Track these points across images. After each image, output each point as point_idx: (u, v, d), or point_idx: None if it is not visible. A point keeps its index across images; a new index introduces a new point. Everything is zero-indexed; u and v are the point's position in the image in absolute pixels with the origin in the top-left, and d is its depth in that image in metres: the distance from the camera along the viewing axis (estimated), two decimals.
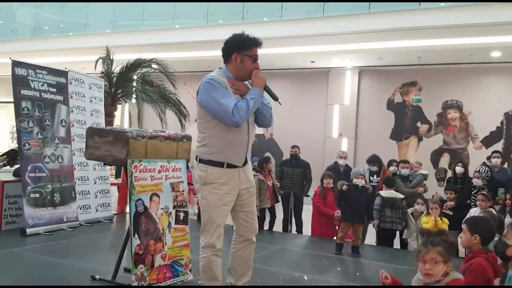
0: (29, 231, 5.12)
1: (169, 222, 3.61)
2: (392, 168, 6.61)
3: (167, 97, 9.25)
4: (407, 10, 8.70)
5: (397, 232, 5.88)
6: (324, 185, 6.11)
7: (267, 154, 10.18)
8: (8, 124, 16.50)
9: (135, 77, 9.33)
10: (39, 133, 5.54)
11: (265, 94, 2.98)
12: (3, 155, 6.17)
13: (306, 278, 4.13)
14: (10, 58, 5.46)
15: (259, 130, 10.61)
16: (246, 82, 2.98)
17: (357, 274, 4.60)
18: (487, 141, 10.51)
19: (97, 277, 3.63)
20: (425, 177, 6.92)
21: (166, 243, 3.56)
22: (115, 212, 6.78)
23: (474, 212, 5.09)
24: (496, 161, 6.56)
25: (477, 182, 5.75)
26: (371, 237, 6.29)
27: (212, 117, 2.82)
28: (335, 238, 5.57)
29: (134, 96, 9.38)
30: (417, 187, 6.34)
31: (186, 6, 11.21)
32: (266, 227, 6.68)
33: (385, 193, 5.68)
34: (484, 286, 2.55)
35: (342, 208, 5.40)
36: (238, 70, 2.89)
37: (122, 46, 10.63)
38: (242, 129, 2.88)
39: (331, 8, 9.48)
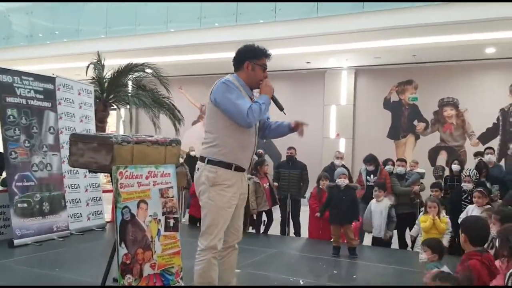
0: (16, 242, 5.00)
1: (158, 230, 3.50)
2: (388, 167, 6.53)
3: (161, 102, 9.12)
4: (401, 8, 8.65)
5: (395, 232, 5.80)
6: (320, 186, 6.03)
7: (260, 150, 9.99)
8: None
9: (128, 82, 9.21)
10: (26, 141, 5.42)
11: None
12: None
13: (302, 283, 4.07)
14: None
15: None
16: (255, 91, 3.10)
17: (354, 276, 4.52)
18: (484, 138, 10.42)
19: None
20: (421, 175, 6.82)
21: (155, 251, 3.44)
22: (108, 220, 6.64)
23: (471, 209, 4.99)
24: (490, 157, 6.48)
25: (467, 186, 5.50)
26: (370, 236, 6.18)
27: (227, 117, 2.89)
28: (332, 240, 5.48)
29: (127, 101, 9.25)
30: (412, 186, 6.24)
31: (179, 9, 11.14)
32: (263, 230, 6.60)
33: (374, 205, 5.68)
34: (491, 286, 2.47)
35: (329, 210, 5.32)
36: (249, 77, 3.02)
37: (116, 51, 10.56)
38: (252, 131, 3.00)
39: (325, 8, 9.42)
